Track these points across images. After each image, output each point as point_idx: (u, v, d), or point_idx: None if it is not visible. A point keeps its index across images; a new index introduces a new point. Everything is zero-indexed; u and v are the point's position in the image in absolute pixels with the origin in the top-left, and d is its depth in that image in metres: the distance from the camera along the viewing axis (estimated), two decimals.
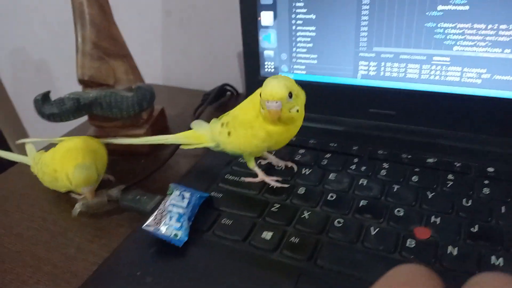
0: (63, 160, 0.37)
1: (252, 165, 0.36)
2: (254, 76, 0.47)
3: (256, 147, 0.34)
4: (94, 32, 0.41)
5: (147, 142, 0.41)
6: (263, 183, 0.36)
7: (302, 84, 0.32)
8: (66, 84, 0.83)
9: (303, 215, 0.32)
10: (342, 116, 0.44)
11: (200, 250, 0.30)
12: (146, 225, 0.31)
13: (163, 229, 0.31)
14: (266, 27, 0.44)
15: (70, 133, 0.53)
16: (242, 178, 0.37)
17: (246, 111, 0.34)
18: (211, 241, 0.31)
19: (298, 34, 0.43)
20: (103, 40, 0.42)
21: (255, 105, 0.32)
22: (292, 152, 0.40)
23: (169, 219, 0.31)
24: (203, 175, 0.39)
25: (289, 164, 0.38)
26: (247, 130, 0.33)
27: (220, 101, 0.59)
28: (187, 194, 0.33)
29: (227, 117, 0.35)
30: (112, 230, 0.37)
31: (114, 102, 0.42)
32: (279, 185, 0.35)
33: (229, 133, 0.34)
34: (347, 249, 0.29)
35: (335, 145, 0.40)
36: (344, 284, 0.27)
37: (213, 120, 0.37)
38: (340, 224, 0.31)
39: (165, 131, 0.52)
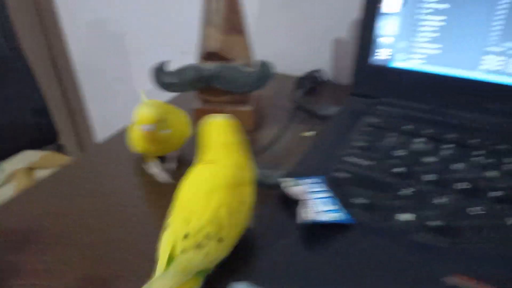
0: None
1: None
2: (363, 63, 0.47)
3: None
4: (227, 4, 0.41)
5: None
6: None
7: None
8: (140, 59, 0.85)
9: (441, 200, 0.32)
10: (459, 109, 0.44)
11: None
12: (305, 219, 0.30)
13: (324, 216, 0.30)
14: (388, 14, 0.44)
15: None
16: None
17: None
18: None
19: (424, 23, 0.42)
20: (232, 13, 0.42)
21: None
22: (409, 140, 0.40)
23: (323, 205, 0.31)
24: (318, 157, 0.39)
25: None
26: None
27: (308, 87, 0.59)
28: (315, 180, 0.33)
29: None
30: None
31: (234, 77, 0.42)
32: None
33: None
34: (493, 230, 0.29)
35: (454, 136, 0.40)
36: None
37: None
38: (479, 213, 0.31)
39: (263, 112, 0.53)
